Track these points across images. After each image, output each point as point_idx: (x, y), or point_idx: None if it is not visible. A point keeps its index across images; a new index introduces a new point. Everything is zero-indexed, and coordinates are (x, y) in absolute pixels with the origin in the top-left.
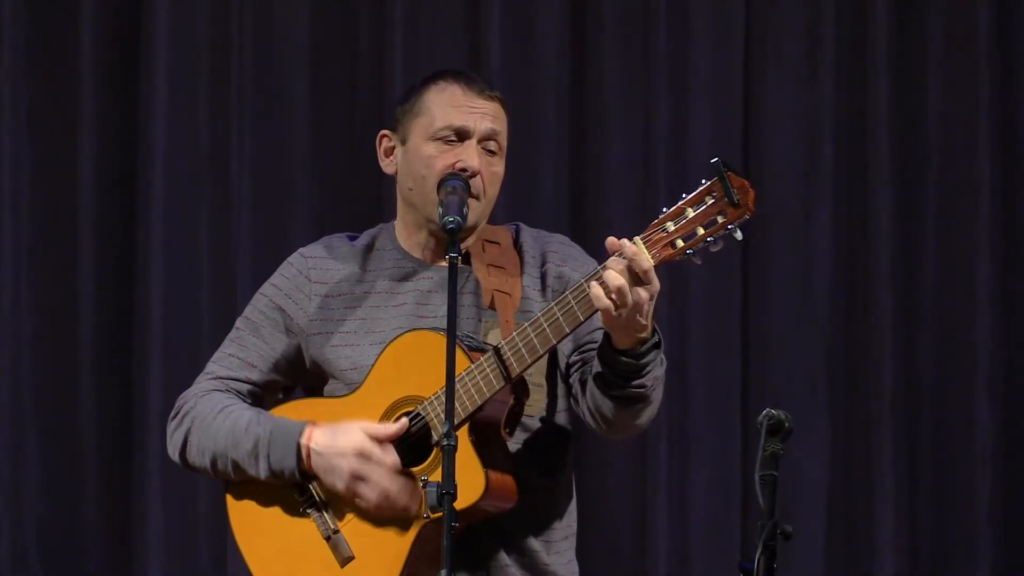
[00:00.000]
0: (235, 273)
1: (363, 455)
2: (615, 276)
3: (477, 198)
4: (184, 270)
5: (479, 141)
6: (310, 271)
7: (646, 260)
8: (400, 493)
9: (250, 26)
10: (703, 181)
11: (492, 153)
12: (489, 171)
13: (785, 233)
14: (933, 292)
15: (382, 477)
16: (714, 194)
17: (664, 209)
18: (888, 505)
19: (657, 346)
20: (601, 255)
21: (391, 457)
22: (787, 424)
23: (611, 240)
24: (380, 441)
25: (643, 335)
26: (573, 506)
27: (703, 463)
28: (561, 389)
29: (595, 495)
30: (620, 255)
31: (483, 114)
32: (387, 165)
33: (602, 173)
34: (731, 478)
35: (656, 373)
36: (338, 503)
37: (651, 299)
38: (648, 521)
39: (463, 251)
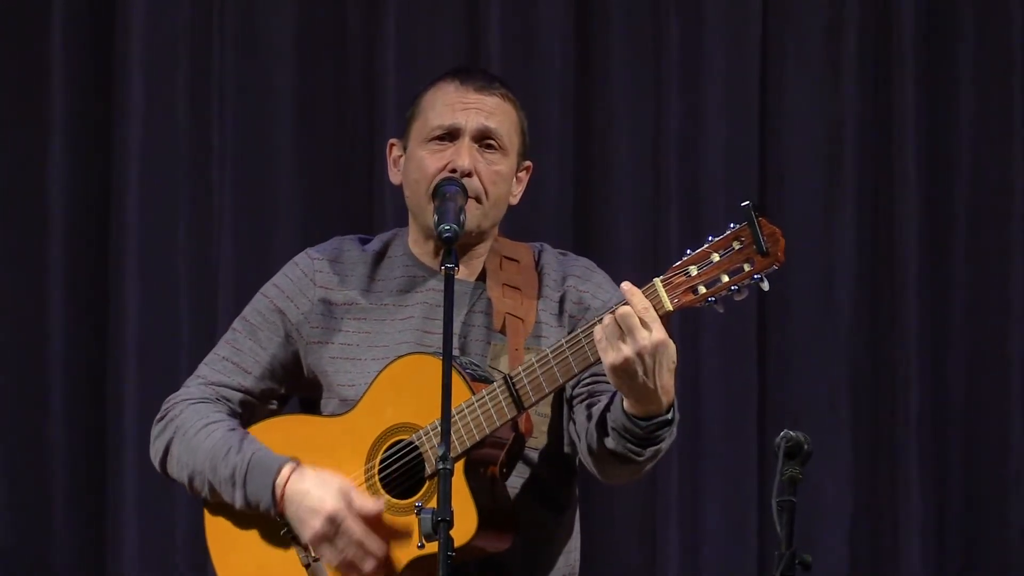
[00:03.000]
0: (216, 284)
1: (334, 521)
2: (608, 317)
3: (478, 200)
4: (161, 280)
5: (473, 139)
6: (316, 274)
7: (647, 312)
8: (364, 563)
9: (232, 18)
10: (731, 225)
11: (492, 150)
12: (489, 170)
13: (805, 242)
14: (963, 305)
15: (347, 546)
16: (742, 239)
17: (688, 251)
18: (914, 533)
19: (669, 423)
20: (606, 263)
21: (360, 527)
22: (806, 446)
23: (625, 285)
24: (354, 508)
25: (653, 407)
26: (576, 543)
27: (716, 488)
28: (566, 421)
29: (601, 521)
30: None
31: (477, 110)
32: (394, 175)
33: (609, 177)
34: (746, 504)
35: (660, 447)
36: None
37: (654, 350)
38: (658, 549)
39: (481, 266)
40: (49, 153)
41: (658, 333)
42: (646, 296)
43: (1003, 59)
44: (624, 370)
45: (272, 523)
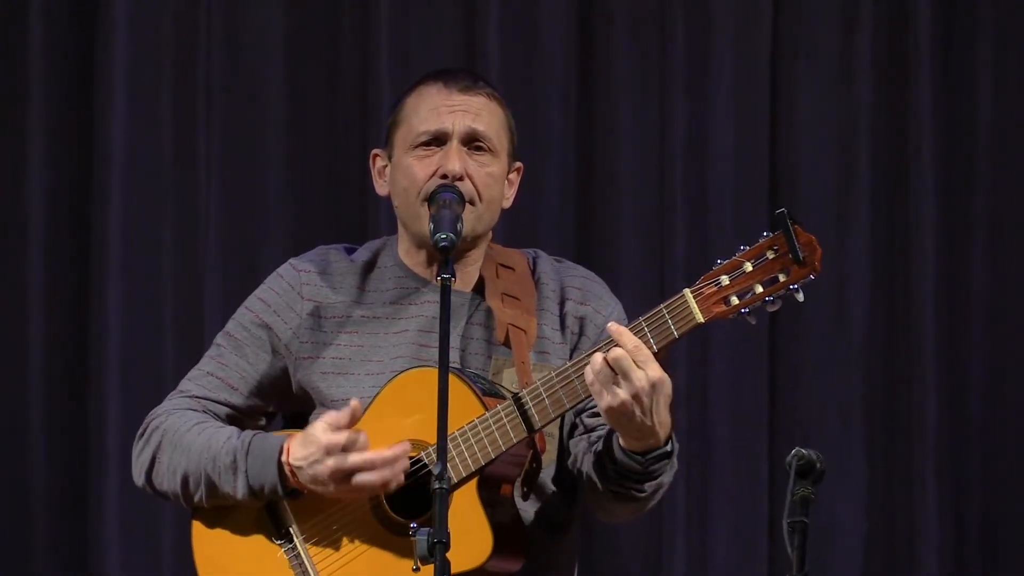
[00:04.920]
0: (202, 295)
1: (331, 450)
2: (599, 359)
3: (471, 203)
4: (145, 291)
5: (462, 142)
6: (303, 287)
7: (639, 351)
8: (388, 459)
9: (219, 16)
10: (765, 233)
11: (482, 152)
12: (481, 173)
13: (822, 250)
14: (983, 316)
15: (362, 457)
16: (776, 248)
17: (719, 260)
18: (932, 555)
19: (668, 455)
20: (610, 272)
21: (362, 436)
22: (819, 465)
23: (612, 327)
24: (343, 427)
25: (652, 441)
26: (576, 566)
27: (725, 508)
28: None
29: (606, 542)
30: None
31: (463, 111)
32: (380, 186)
33: (612, 182)
34: (756, 525)
35: (662, 480)
36: (319, 549)
37: (652, 390)
38: (663, 570)
39: (478, 275)
40: (28, 157)
41: (654, 372)
42: (675, 307)
43: None
44: (622, 412)
45: (268, 544)
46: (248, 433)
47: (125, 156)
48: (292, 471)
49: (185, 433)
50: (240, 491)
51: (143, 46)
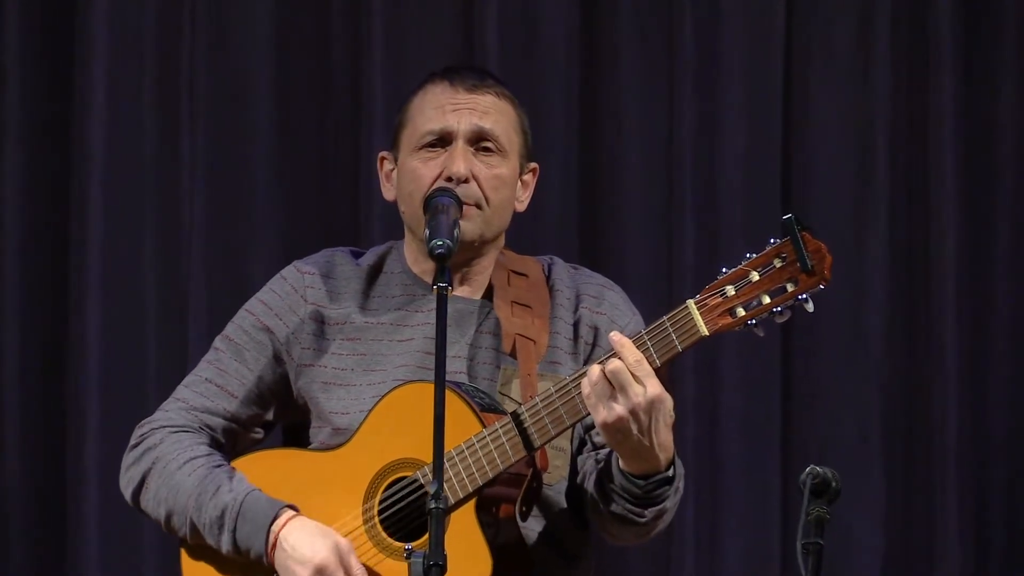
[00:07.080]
0: (186, 305)
1: (322, 573)
2: (596, 371)
3: (478, 207)
4: (126, 301)
5: (468, 142)
6: (307, 290)
7: (639, 365)
8: None
9: (204, 10)
10: (772, 240)
11: (490, 153)
12: (488, 174)
13: (832, 257)
14: (1006, 326)
15: None
16: (784, 256)
17: (724, 269)
18: None
19: (670, 481)
20: (614, 280)
21: None
22: (834, 483)
23: (614, 336)
24: (345, 563)
25: (652, 464)
26: None
27: (736, 528)
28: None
29: (612, 563)
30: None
31: (469, 110)
32: (387, 191)
33: (617, 186)
34: (769, 546)
35: (664, 506)
36: None
37: (650, 407)
38: None
39: (488, 282)
40: (3, 159)
41: (653, 388)
42: (678, 319)
43: None
44: (618, 428)
45: (258, 570)
46: (240, 488)
47: (105, 157)
48: (275, 544)
49: (177, 470)
50: (225, 547)
51: (124, 44)
